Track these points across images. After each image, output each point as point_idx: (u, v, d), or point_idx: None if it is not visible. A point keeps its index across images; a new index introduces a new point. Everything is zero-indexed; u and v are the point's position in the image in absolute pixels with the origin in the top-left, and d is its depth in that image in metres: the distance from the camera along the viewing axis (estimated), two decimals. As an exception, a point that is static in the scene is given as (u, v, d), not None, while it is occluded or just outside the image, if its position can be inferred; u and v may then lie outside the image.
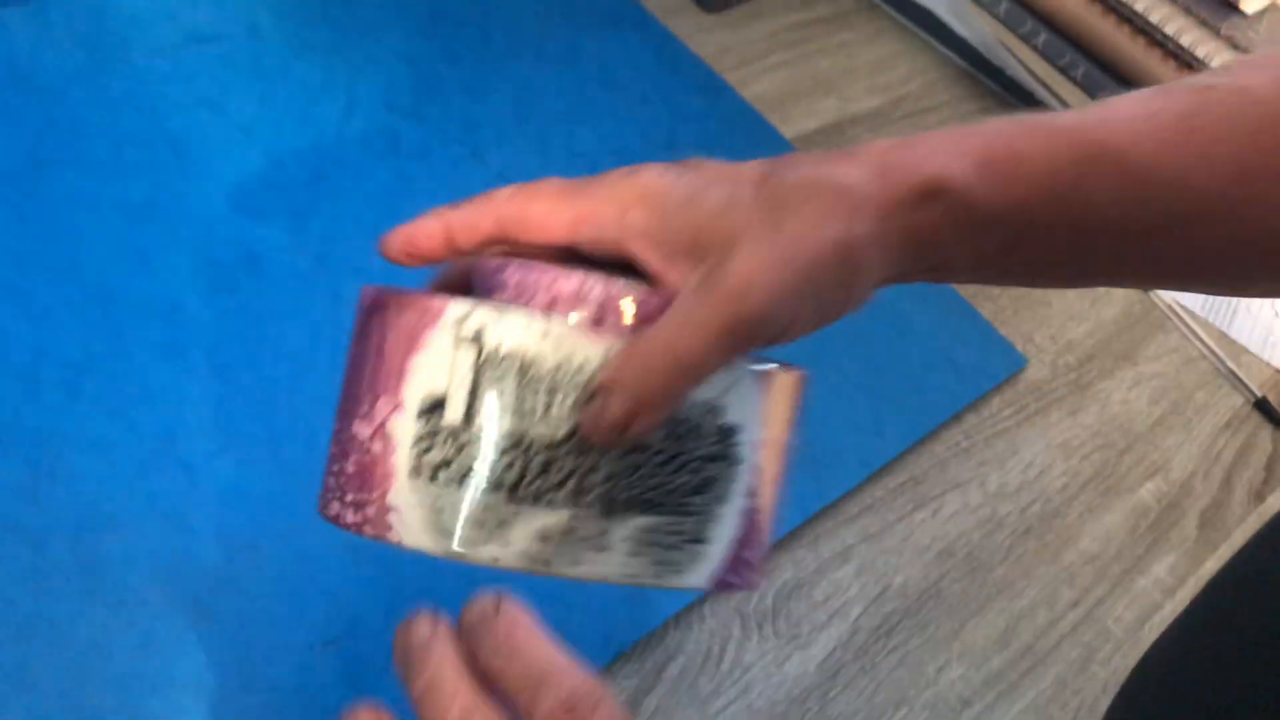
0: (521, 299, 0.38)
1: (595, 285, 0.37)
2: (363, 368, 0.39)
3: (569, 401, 0.36)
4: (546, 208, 0.37)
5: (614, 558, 0.38)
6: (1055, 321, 0.74)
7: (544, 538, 0.38)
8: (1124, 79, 0.83)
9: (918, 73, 0.86)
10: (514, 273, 0.38)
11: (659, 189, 0.36)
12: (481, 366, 0.37)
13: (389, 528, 0.38)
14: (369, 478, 0.39)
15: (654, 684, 0.52)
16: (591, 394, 0.35)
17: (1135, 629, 0.61)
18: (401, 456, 0.38)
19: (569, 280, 0.37)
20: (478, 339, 0.37)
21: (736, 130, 0.75)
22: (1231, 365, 0.77)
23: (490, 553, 0.38)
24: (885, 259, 0.35)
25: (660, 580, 0.39)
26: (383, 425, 0.38)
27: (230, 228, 0.59)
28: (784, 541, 0.58)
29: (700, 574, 0.39)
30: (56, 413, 0.51)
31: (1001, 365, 0.70)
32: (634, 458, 0.37)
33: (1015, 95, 0.86)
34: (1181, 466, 0.70)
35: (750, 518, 0.40)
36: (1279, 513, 0.45)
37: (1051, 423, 0.69)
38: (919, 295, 0.71)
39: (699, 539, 0.39)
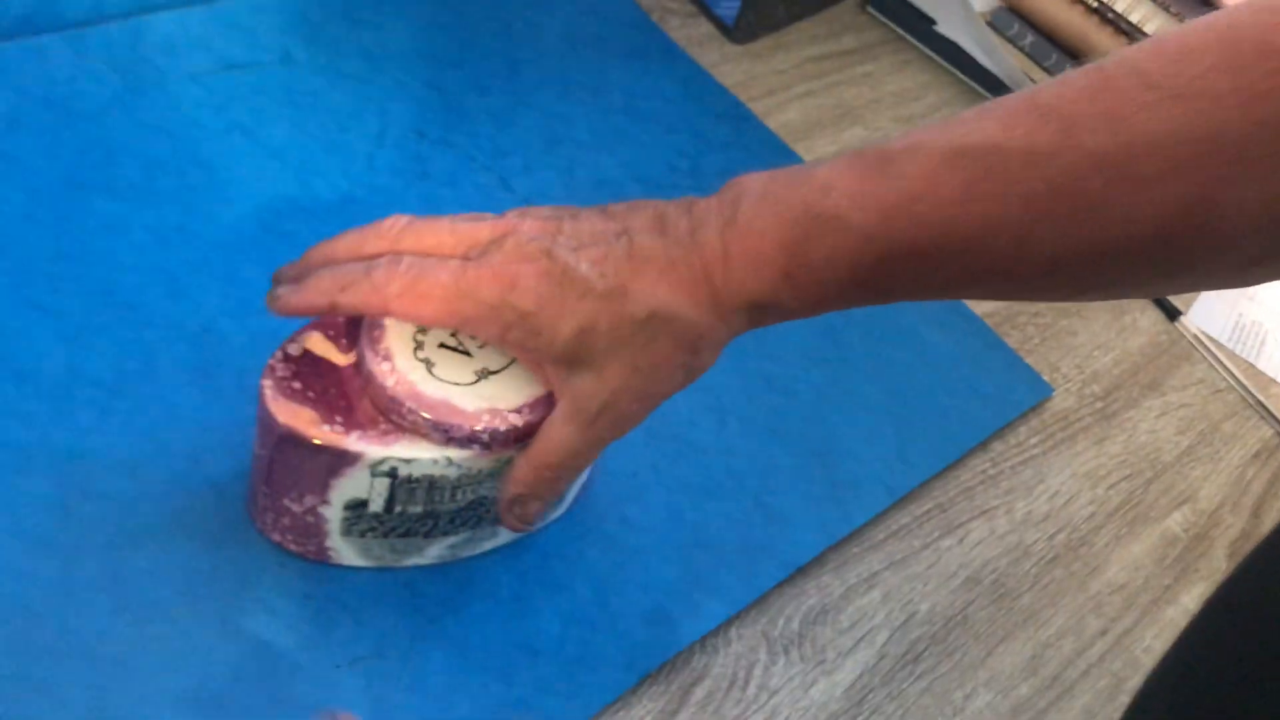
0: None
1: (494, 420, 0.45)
2: (283, 470, 0.46)
3: (469, 490, 0.47)
4: (434, 312, 0.43)
5: (502, 538, 0.52)
6: (1082, 351, 0.74)
7: (451, 547, 0.51)
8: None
9: (943, 104, 0.86)
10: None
11: (532, 308, 0.42)
12: (396, 487, 0.46)
13: (328, 558, 0.50)
14: (306, 533, 0.49)
15: (679, 706, 0.51)
16: (512, 500, 0.46)
17: (1164, 659, 0.60)
18: (333, 526, 0.48)
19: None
20: (392, 473, 0.45)
21: (762, 159, 0.76)
22: (1260, 396, 0.76)
23: (411, 562, 0.51)
24: (720, 351, 0.45)
25: (536, 529, 0.53)
26: (313, 509, 0.47)
27: (261, 251, 0.60)
28: (808, 567, 0.58)
29: (562, 509, 0.54)
30: (88, 432, 0.52)
31: (1028, 394, 0.70)
32: None
33: (1040, 127, 0.86)
34: (1209, 497, 0.70)
35: (591, 468, 0.52)
36: (1267, 537, 0.45)
37: (1078, 451, 0.68)
38: (945, 325, 0.71)
39: (561, 498, 0.52)
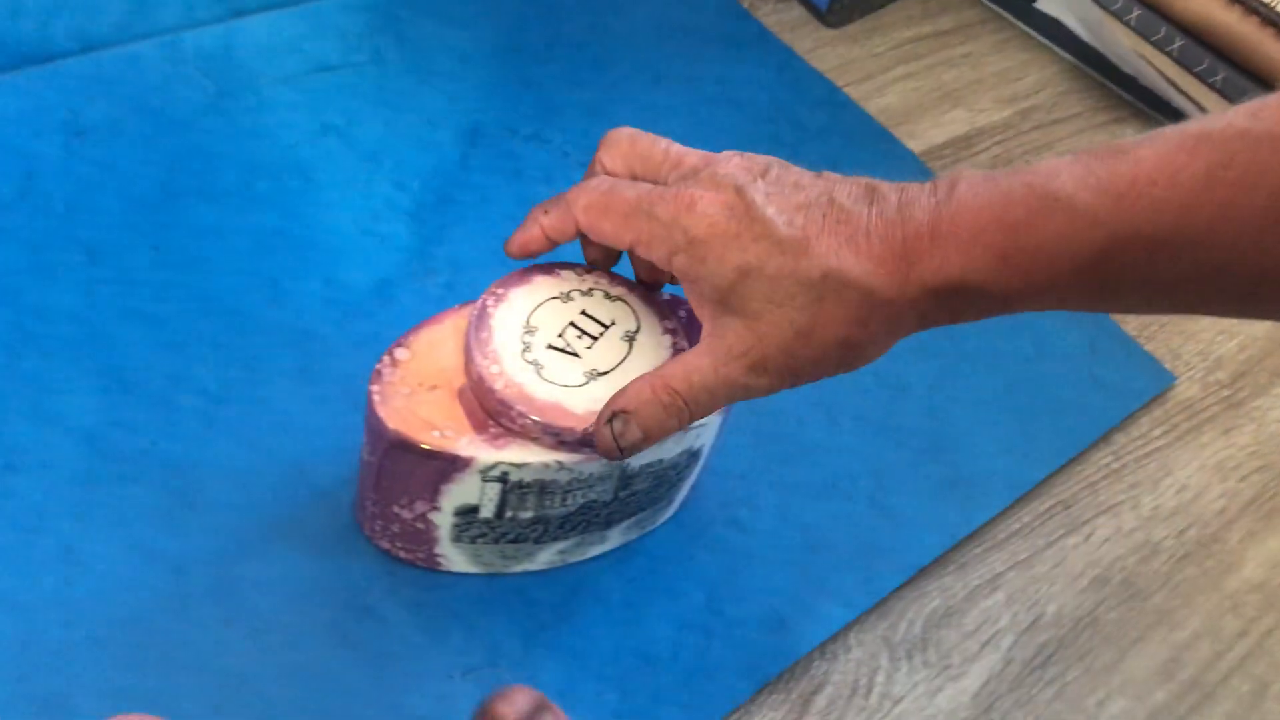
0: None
1: None
2: (392, 476, 0.46)
3: (579, 494, 0.46)
4: (613, 227, 0.43)
5: (612, 542, 0.51)
6: (1204, 337, 0.70)
7: (561, 552, 0.50)
8: (1268, 84, 0.80)
9: (1047, 83, 0.83)
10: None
11: (702, 235, 0.41)
12: (507, 492, 0.45)
13: (438, 565, 0.49)
14: (417, 539, 0.48)
15: (801, 715, 0.50)
16: (615, 413, 0.42)
17: (1309, 661, 0.57)
18: (443, 532, 0.48)
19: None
20: (503, 478, 0.44)
21: (862, 145, 0.74)
22: (1395, 381, 0.72)
23: (520, 568, 0.50)
24: (892, 341, 0.42)
25: (644, 532, 0.53)
26: (423, 515, 0.46)
27: (359, 253, 0.59)
28: (930, 568, 0.55)
29: (670, 512, 0.53)
30: (194, 441, 0.51)
31: (1149, 383, 0.67)
32: (626, 497, 0.48)
33: (1149, 104, 0.83)
34: (1348, 488, 0.66)
35: (700, 469, 0.52)
36: None
37: (1205, 442, 0.65)
38: (1059, 314, 0.68)
39: (670, 501, 0.52)
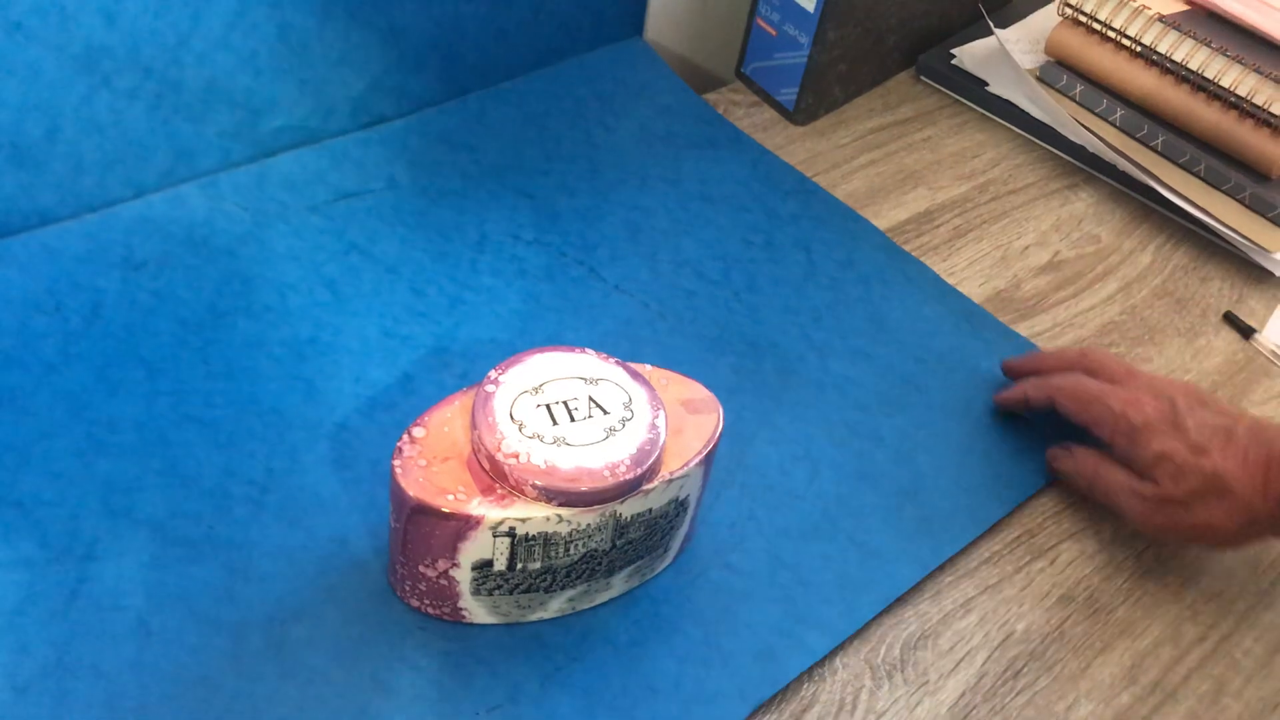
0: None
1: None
2: (416, 539, 0.53)
3: (581, 544, 0.53)
4: (1078, 408, 0.65)
5: (616, 589, 0.59)
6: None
7: (570, 599, 0.57)
8: (1202, 143, 0.87)
9: (1002, 158, 0.91)
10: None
11: (1139, 424, 0.62)
12: (516, 545, 0.52)
13: (462, 618, 0.56)
14: (441, 595, 0.55)
15: (791, 731, 0.55)
16: (1057, 470, 0.69)
17: (1266, 661, 0.62)
18: (464, 587, 0.54)
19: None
20: (511, 533, 0.52)
21: (831, 226, 0.81)
22: (1346, 404, 0.78)
23: (535, 616, 0.57)
24: (1248, 537, 0.61)
25: (645, 579, 0.60)
26: (445, 572, 0.54)
27: (384, 354, 0.67)
28: (906, 597, 0.61)
29: (668, 560, 0.60)
30: (245, 525, 0.59)
31: (1108, 421, 0.73)
32: (623, 546, 0.55)
33: (1098, 169, 0.90)
34: (1302, 505, 0.71)
35: (691, 520, 0.59)
36: None
37: (1163, 471, 0.71)
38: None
39: (666, 550, 0.59)
